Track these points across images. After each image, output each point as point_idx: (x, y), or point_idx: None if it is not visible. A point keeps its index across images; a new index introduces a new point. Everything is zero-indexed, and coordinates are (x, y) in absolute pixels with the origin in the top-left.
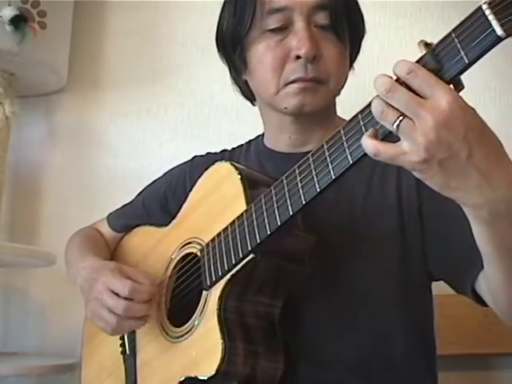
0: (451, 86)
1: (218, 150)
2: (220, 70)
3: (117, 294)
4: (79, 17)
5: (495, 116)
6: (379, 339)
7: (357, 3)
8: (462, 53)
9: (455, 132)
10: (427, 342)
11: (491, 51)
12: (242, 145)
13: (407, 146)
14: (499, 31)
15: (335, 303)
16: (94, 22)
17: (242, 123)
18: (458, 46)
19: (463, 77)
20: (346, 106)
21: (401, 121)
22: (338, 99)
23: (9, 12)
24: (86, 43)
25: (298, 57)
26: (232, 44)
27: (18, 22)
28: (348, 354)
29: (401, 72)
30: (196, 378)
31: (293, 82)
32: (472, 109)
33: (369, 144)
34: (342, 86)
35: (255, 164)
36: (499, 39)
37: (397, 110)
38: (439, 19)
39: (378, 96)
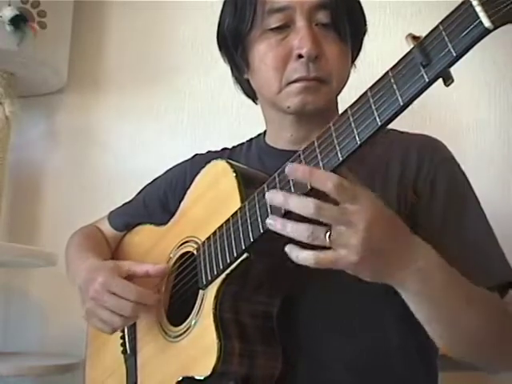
0: (441, 79)
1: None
2: (220, 70)
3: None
4: (79, 17)
5: (495, 116)
6: (377, 339)
7: (357, 0)
8: (450, 45)
9: (382, 224)
10: (426, 342)
11: (491, 50)
12: (243, 143)
13: (343, 251)
14: (487, 23)
15: (332, 301)
16: (94, 22)
17: (241, 123)
18: (446, 38)
19: (463, 76)
20: (346, 105)
21: (330, 233)
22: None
23: (9, 12)
24: (86, 43)
25: (300, 56)
26: (233, 44)
27: (18, 22)
28: (346, 354)
29: (325, 187)
30: (193, 378)
31: (295, 81)
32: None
33: (308, 254)
34: (344, 84)
35: (256, 161)
36: (487, 31)
37: (322, 224)
38: (439, 19)
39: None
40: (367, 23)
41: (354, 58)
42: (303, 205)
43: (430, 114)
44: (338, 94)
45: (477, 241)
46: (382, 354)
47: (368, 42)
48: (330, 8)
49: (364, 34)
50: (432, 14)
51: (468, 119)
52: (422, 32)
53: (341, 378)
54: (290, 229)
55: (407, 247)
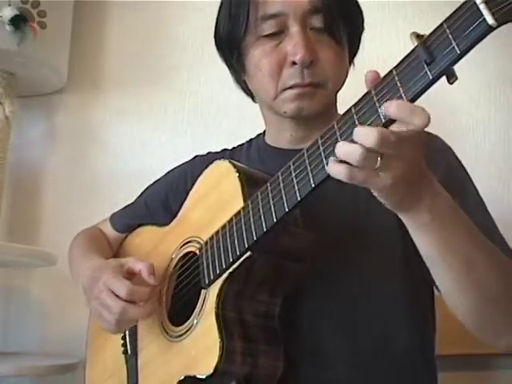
0: (444, 77)
1: (219, 150)
2: (220, 70)
3: (116, 294)
4: (79, 17)
5: (495, 116)
6: (379, 337)
7: (354, 1)
8: (454, 43)
9: (419, 160)
10: (427, 341)
11: (491, 50)
12: (243, 144)
13: (381, 173)
14: (490, 20)
15: (335, 301)
16: (94, 22)
17: (241, 123)
18: (450, 36)
19: (463, 76)
20: (346, 105)
21: (381, 161)
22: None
23: (9, 12)
24: (86, 43)
25: (294, 63)
26: (229, 48)
27: (18, 22)
28: (348, 353)
29: (409, 120)
30: (195, 377)
31: (290, 87)
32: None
33: (343, 168)
34: (342, 84)
35: (257, 161)
36: (490, 28)
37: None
38: (439, 19)
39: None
40: (367, 24)
41: (351, 58)
42: (367, 132)
43: (430, 114)
44: (336, 93)
45: (477, 224)
46: (383, 353)
47: (368, 41)
48: (324, 12)
49: (361, 33)
50: (432, 14)
51: (468, 119)
52: (423, 31)
53: (343, 377)
54: (342, 148)
55: (427, 185)
